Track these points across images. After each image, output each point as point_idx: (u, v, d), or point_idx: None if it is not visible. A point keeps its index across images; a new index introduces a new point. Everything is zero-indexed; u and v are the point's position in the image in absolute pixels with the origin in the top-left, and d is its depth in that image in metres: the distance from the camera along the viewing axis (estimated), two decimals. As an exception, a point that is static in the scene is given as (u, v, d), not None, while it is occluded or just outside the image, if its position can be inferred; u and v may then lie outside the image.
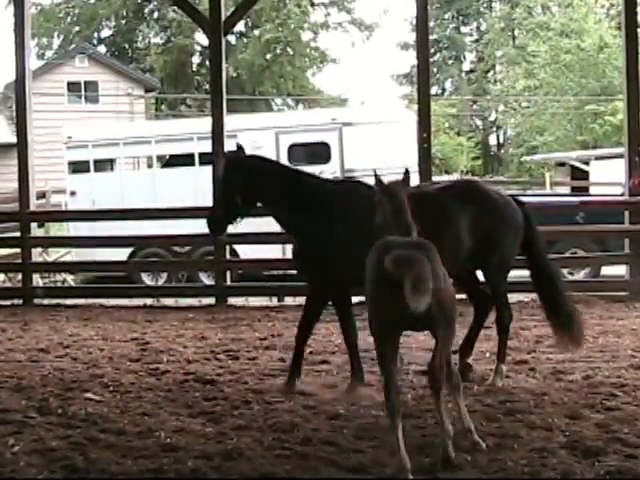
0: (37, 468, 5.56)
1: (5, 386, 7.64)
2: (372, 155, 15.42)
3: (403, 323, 5.54)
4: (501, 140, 52.14)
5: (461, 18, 53.75)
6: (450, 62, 52.98)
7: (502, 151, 50.57)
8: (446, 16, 52.85)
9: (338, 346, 8.95)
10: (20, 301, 12.54)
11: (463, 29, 54.28)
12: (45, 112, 28.35)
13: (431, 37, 40.07)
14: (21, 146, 12.63)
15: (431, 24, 41.15)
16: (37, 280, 13.47)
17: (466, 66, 54.15)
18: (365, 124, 16.09)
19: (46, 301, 12.58)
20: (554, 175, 31.04)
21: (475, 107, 49.69)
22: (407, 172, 6.11)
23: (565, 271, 15.04)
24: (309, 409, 6.77)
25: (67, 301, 12.57)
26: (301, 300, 12.06)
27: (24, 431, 6.32)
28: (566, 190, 27.61)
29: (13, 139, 13.85)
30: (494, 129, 52.10)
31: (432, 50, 47.06)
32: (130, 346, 9.43)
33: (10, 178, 12.85)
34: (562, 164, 31.75)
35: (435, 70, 49.02)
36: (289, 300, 12.61)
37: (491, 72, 51.95)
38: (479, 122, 51.40)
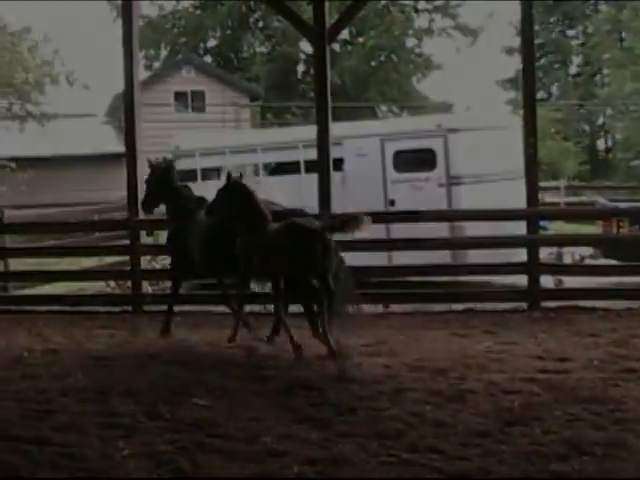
0: (146, 471, 5.68)
1: (115, 391, 7.78)
2: (478, 161, 15.24)
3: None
4: (609, 144, 51.15)
5: (567, 21, 52.89)
6: (556, 66, 52.18)
7: (610, 155, 49.59)
8: (551, 19, 52.06)
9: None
10: (130, 308, 12.74)
11: (569, 32, 53.44)
12: (153, 122, 28.79)
13: (536, 41, 39.49)
14: (129, 156, 12.82)
15: (536, 28, 40.63)
16: (146, 287, 13.67)
17: (572, 70, 53.29)
18: (471, 130, 15.87)
19: (155, 308, 12.74)
20: (664, 180, 30.34)
21: (582, 111, 48.82)
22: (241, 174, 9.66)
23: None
24: (415, 416, 6.74)
25: (175, 307, 12.70)
26: (407, 307, 12.13)
27: (133, 435, 6.46)
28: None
29: (122, 149, 14.07)
30: (602, 133, 51.15)
31: (537, 54, 46.37)
32: (236, 352, 9.50)
33: (118, 187, 13.04)
34: (672, 168, 31.03)
35: (541, 74, 48.31)
36: (395, 307, 12.55)
37: (598, 75, 51.01)
38: (586, 126, 50.52)
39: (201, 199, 10.68)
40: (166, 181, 10.71)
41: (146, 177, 11.00)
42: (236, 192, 9.41)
